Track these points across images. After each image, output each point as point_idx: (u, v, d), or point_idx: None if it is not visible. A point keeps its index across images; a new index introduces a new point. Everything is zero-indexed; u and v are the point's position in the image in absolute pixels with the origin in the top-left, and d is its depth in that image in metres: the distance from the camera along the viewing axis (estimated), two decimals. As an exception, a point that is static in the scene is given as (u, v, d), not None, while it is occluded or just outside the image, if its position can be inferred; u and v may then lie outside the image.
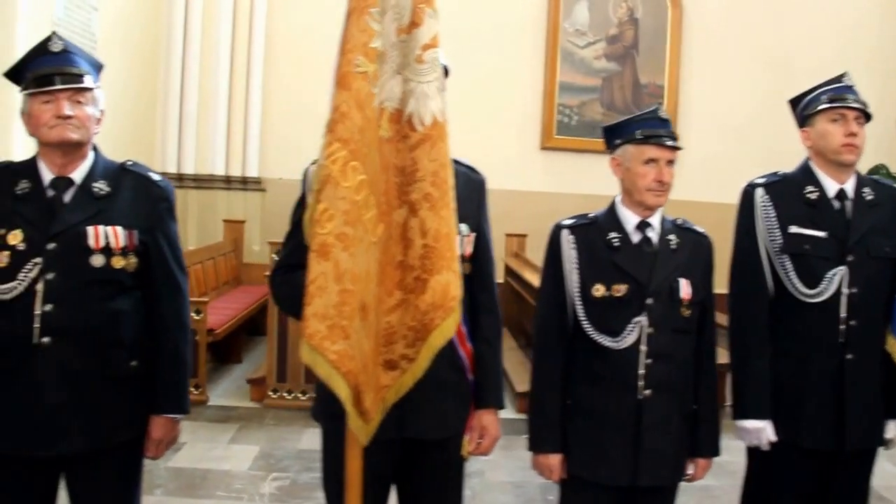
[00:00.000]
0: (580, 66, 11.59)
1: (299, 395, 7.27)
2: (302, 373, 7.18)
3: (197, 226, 10.59)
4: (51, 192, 2.85)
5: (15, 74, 2.90)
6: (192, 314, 7.08)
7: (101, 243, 2.82)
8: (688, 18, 11.67)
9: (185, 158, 10.60)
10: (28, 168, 2.89)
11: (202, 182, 10.70)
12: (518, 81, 11.47)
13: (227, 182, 10.86)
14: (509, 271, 10.10)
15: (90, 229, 2.82)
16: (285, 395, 7.31)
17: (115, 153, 5.30)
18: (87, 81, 2.86)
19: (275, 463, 5.96)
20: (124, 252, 2.86)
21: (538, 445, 3.17)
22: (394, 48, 2.62)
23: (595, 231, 3.14)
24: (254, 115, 11.03)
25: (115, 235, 2.84)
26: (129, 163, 3.01)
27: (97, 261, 2.81)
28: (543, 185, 11.31)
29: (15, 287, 2.75)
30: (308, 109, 11.39)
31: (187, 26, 10.42)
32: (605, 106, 11.61)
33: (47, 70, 2.81)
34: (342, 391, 2.55)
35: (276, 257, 7.27)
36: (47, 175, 2.86)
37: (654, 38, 11.63)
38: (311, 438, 6.41)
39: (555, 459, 3.12)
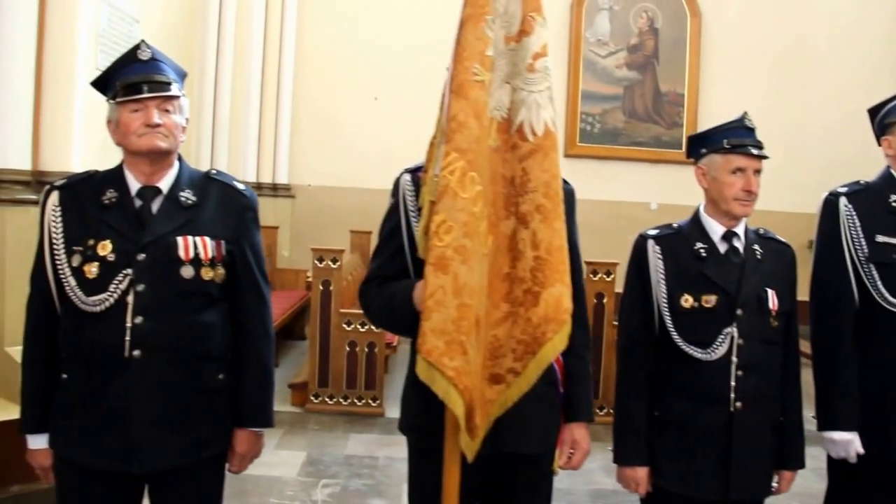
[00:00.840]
0: (602, 75, 11.78)
1: (341, 399, 7.35)
2: (343, 378, 7.30)
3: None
4: (138, 202, 2.78)
5: (101, 83, 2.86)
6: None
7: (191, 254, 2.76)
8: (707, 28, 11.85)
9: (218, 166, 10.76)
10: (113, 177, 2.82)
11: (234, 188, 10.85)
12: (542, 90, 11.62)
13: (258, 188, 11.04)
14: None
15: (180, 240, 2.75)
16: (327, 399, 7.38)
17: None
18: (175, 89, 2.80)
19: (324, 469, 5.98)
20: (212, 263, 2.79)
21: (625, 458, 3.12)
22: (502, 56, 2.57)
23: (680, 241, 3.10)
24: (284, 124, 11.25)
25: (204, 246, 2.78)
26: (214, 171, 2.94)
27: (187, 272, 2.75)
28: (568, 192, 11.43)
29: (106, 299, 2.68)
30: (335, 118, 11.66)
31: (220, 38, 10.56)
32: (626, 114, 11.83)
33: (136, 78, 2.74)
34: (458, 408, 2.44)
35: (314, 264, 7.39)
36: (134, 184, 2.79)
37: (674, 48, 11.82)
38: (355, 444, 6.54)
39: (642, 472, 3.07)
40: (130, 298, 2.69)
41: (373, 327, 7.12)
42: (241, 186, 2.95)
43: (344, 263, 7.45)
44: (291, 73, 11.30)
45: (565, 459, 2.95)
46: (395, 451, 6.26)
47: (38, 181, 5.07)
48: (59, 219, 2.79)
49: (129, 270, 2.70)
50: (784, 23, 11.93)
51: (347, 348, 7.32)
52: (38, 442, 2.84)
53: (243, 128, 10.76)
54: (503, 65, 2.57)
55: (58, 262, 2.75)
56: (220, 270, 2.81)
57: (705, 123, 11.65)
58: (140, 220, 2.76)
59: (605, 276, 7.41)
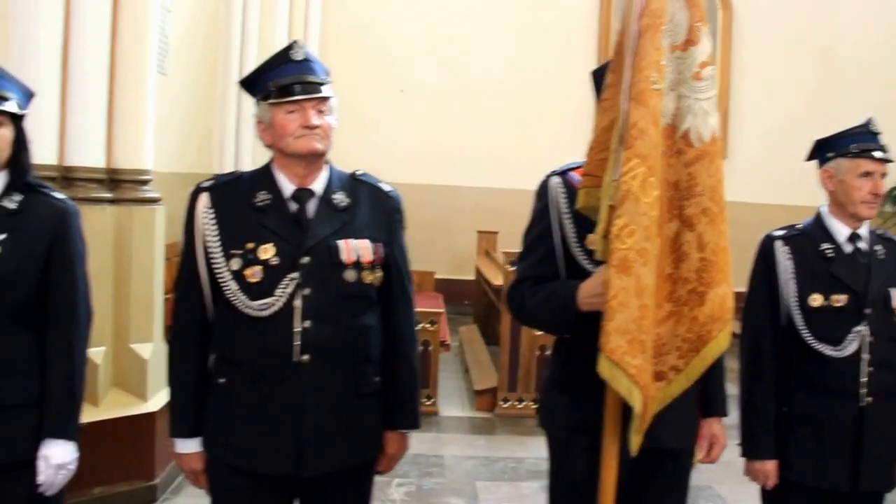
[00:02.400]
0: (631, 68, 11.75)
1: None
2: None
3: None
4: (293, 205, 2.75)
5: (250, 83, 2.85)
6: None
7: (353, 257, 2.73)
8: (737, 20, 11.88)
9: (243, 161, 10.73)
10: (264, 179, 2.79)
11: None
12: (570, 83, 11.60)
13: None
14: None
15: (341, 243, 2.72)
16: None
17: (178, 154, 5.32)
18: (327, 90, 2.76)
19: (395, 468, 5.98)
20: (372, 266, 2.76)
21: (754, 452, 3.20)
22: (668, 64, 2.62)
23: (807, 241, 3.17)
24: (311, 119, 11.19)
25: (364, 249, 2.75)
26: (360, 172, 2.90)
27: (350, 276, 2.72)
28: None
29: (273, 303, 2.66)
30: (360, 110, 11.63)
31: (244, 31, 10.54)
32: (657, 108, 11.79)
33: (290, 79, 2.71)
34: (638, 405, 2.52)
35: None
36: (287, 186, 2.75)
37: (703, 41, 11.78)
38: (419, 443, 6.31)
39: (771, 465, 3.15)
40: (298, 303, 2.67)
41: (427, 325, 7.09)
42: (387, 188, 2.92)
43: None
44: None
45: (705, 453, 3.03)
46: (458, 450, 6.30)
47: (111, 179, 5.05)
48: (213, 221, 2.75)
49: (296, 274, 2.67)
50: (816, 16, 11.99)
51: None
52: (189, 446, 2.83)
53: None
54: (669, 72, 2.62)
55: (215, 266, 2.73)
56: (378, 273, 2.79)
57: (736, 116, 11.71)
58: (299, 224, 2.73)
59: None
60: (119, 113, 5.09)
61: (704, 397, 2.98)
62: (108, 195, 4.95)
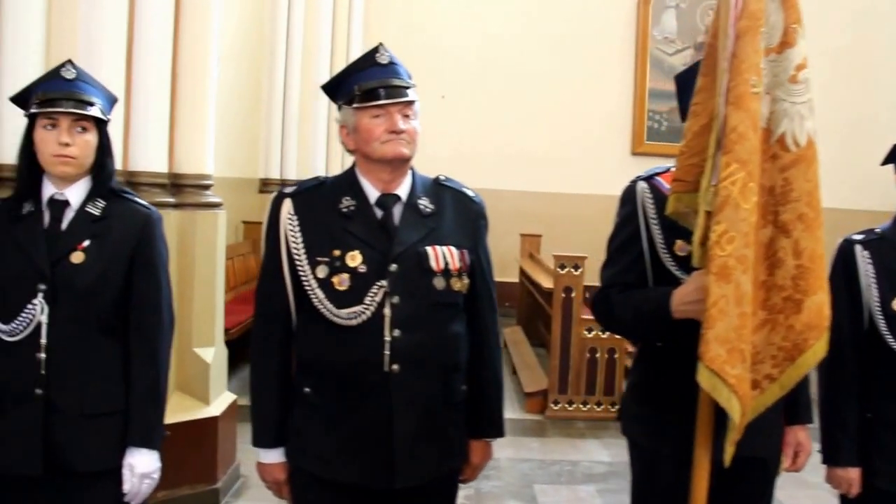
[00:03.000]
0: (669, 73, 11.71)
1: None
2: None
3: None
4: (378, 211, 2.69)
5: (333, 87, 2.80)
6: None
7: (441, 265, 2.68)
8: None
9: (288, 165, 10.80)
10: (347, 184, 2.75)
11: (304, 187, 10.90)
12: (609, 88, 11.66)
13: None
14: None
15: (429, 250, 2.67)
16: None
17: (227, 159, 5.27)
18: (413, 94, 2.71)
19: None
20: (460, 273, 2.71)
21: (836, 459, 3.11)
22: (763, 67, 2.56)
23: (887, 245, 3.12)
24: (352, 125, 11.26)
25: (452, 256, 2.70)
26: (443, 178, 2.85)
27: (439, 283, 2.67)
28: (635, 190, 11.44)
29: (362, 312, 2.60)
30: (400, 118, 11.68)
31: (289, 39, 10.62)
32: (693, 112, 11.80)
33: (375, 83, 2.66)
34: (737, 415, 2.46)
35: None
36: (372, 192, 2.70)
37: (741, 45, 11.77)
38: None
39: (854, 473, 3.07)
40: (387, 311, 2.61)
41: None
42: (471, 193, 2.86)
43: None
44: (359, 71, 11.31)
45: (790, 461, 2.98)
46: (512, 452, 6.30)
47: (173, 184, 5.09)
48: (297, 228, 2.70)
49: (384, 282, 2.62)
50: (846, 20, 11.90)
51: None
52: (272, 456, 2.78)
53: (312, 127, 10.82)
54: (764, 75, 2.55)
55: (301, 274, 2.68)
56: (465, 280, 2.73)
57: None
58: (385, 230, 2.68)
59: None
60: (181, 118, 5.11)
61: (789, 405, 2.91)
62: (171, 200, 4.96)
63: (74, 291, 2.70)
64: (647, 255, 2.80)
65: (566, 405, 7.25)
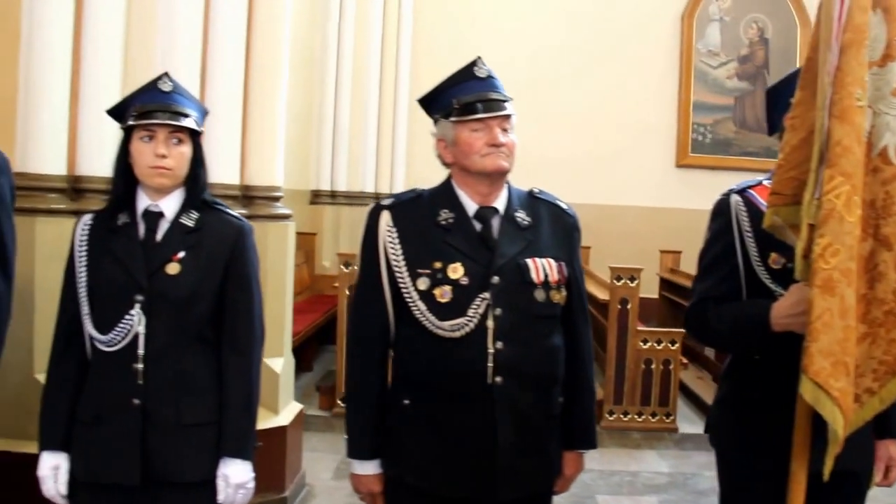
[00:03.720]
0: (713, 86, 11.78)
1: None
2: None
3: (349, 241, 10.83)
4: (477, 224, 2.70)
5: (432, 100, 2.82)
6: None
7: (542, 277, 2.67)
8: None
9: (338, 177, 10.88)
10: (445, 197, 2.76)
11: (353, 199, 10.98)
12: (654, 101, 11.66)
13: (377, 199, 11.11)
14: (665, 285, 10.45)
15: (529, 262, 2.67)
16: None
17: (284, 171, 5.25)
18: (510, 108, 2.72)
19: None
20: (559, 286, 2.71)
21: None
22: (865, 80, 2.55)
23: None
24: (400, 134, 11.39)
25: (551, 268, 2.70)
26: (537, 190, 2.85)
27: (540, 295, 2.67)
28: (679, 202, 11.46)
29: (466, 324, 2.61)
30: (448, 129, 11.75)
31: (339, 52, 10.71)
32: (737, 124, 11.86)
33: (474, 97, 2.69)
34: (841, 429, 2.43)
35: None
36: (470, 205, 2.72)
37: (784, 58, 11.78)
38: None
39: None
40: (490, 323, 2.62)
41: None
42: (564, 205, 2.87)
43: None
44: (407, 85, 11.42)
45: (881, 476, 2.91)
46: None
47: (244, 195, 5.15)
48: (397, 240, 2.72)
49: (487, 294, 2.63)
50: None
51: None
52: (368, 468, 2.79)
53: (362, 139, 10.94)
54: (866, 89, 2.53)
55: (401, 285, 2.69)
56: (563, 293, 2.74)
57: (817, 133, 11.62)
58: (485, 242, 2.69)
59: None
60: (252, 131, 5.18)
61: (880, 418, 2.82)
62: (242, 212, 5.00)
63: (171, 302, 2.72)
64: (741, 268, 2.79)
65: (621, 415, 7.24)
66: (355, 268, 7.35)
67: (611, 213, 10.94)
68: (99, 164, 4.22)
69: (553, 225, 2.80)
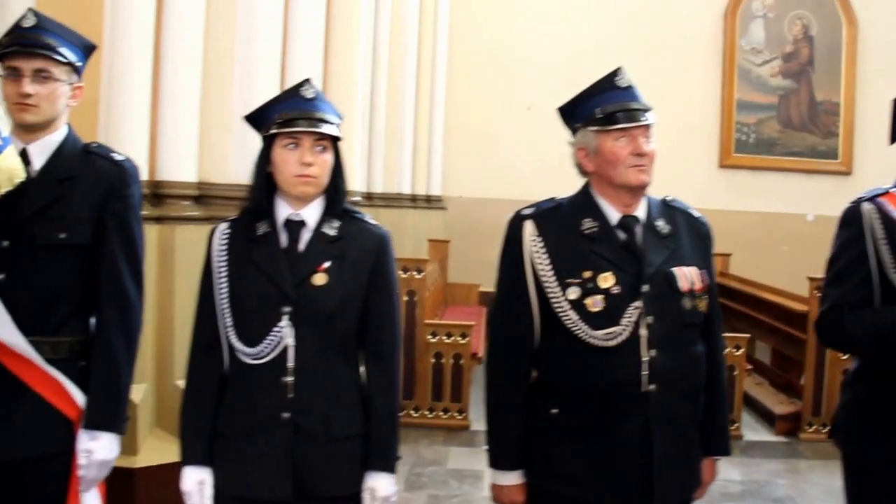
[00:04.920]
0: (756, 84, 11.65)
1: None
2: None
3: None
4: (620, 232, 2.71)
5: (572, 108, 2.83)
6: (458, 337, 7.18)
7: (688, 285, 2.69)
8: (863, 34, 11.67)
9: (375, 179, 10.78)
10: (586, 206, 2.77)
11: (390, 201, 10.87)
12: (696, 100, 11.55)
13: (413, 200, 11.05)
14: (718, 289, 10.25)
15: (676, 271, 2.69)
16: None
17: None
18: (651, 118, 2.75)
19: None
20: (702, 293, 2.72)
21: None
22: None
23: None
24: (437, 136, 11.29)
25: (695, 276, 2.72)
26: (670, 198, 2.87)
27: (687, 303, 2.68)
28: (723, 203, 11.31)
29: (620, 333, 2.61)
30: (488, 129, 11.67)
31: (375, 52, 10.63)
32: (781, 123, 11.71)
33: (618, 106, 2.71)
34: None
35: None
36: (613, 214, 2.73)
37: (829, 55, 11.65)
38: None
39: None
40: (643, 332, 2.62)
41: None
42: (697, 213, 2.88)
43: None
44: (444, 86, 11.34)
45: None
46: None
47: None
48: (543, 250, 2.71)
49: (639, 303, 2.63)
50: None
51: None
52: (512, 478, 2.78)
53: (398, 141, 10.82)
54: None
55: (551, 296, 2.67)
56: (706, 300, 2.75)
57: (862, 133, 11.51)
58: (631, 252, 2.69)
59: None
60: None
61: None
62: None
63: (318, 314, 2.65)
64: (875, 275, 2.81)
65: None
66: (414, 273, 7.26)
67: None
68: (179, 169, 4.30)
69: (689, 233, 2.82)
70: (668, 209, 2.84)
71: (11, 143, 2.52)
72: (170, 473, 3.13)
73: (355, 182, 10.62)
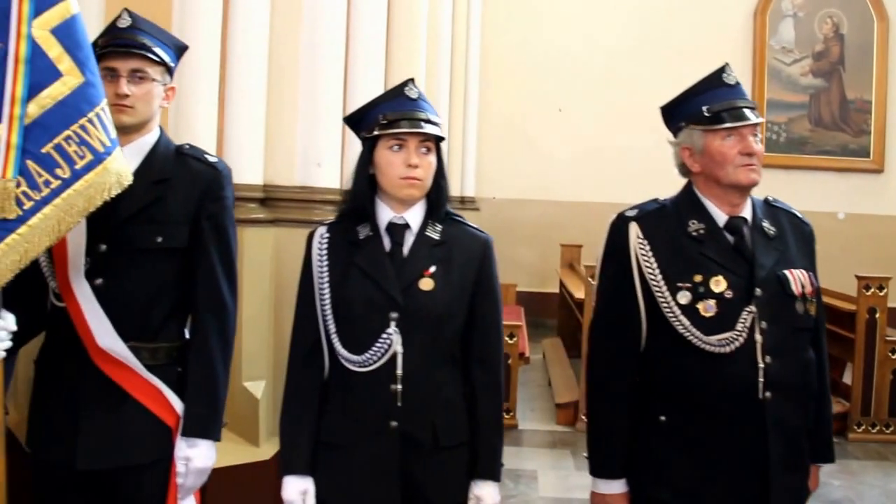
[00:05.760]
0: (787, 83, 11.59)
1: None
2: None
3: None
4: (728, 235, 2.66)
5: (677, 106, 2.80)
6: (506, 338, 7.12)
7: (800, 289, 2.64)
8: (894, 31, 11.59)
9: (409, 181, 10.79)
10: (692, 207, 2.71)
11: (427, 202, 10.90)
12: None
13: (461, 202, 11.04)
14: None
15: (788, 274, 2.64)
16: None
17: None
18: (758, 116, 2.69)
19: None
20: (812, 297, 2.68)
21: None
22: None
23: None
24: (470, 137, 11.23)
25: (805, 279, 2.66)
26: (772, 199, 2.84)
27: (799, 307, 2.63)
28: (754, 201, 11.27)
29: (735, 338, 2.56)
30: (520, 130, 11.66)
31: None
32: (812, 122, 11.66)
33: (726, 104, 2.67)
34: None
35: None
36: (720, 215, 2.67)
37: (860, 54, 11.59)
38: None
39: None
40: (758, 337, 2.57)
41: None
42: (800, 214, 2.85)
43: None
44: (477, 87, 11.32)
45: None
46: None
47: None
48: (650, 252, 2.67)
49: (753, 308, 2.58)
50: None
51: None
52: (616, 486, 2.74)
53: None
54: None
55: (660, 300, 2.63)
56: (815, 305, 2.69)
57: (894, 130, 11.44)
58: (741, 254, 2.64)
59: (877, 291, 7.22)
60: None
61: None
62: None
63: (426, 319, 2.61)
64: None
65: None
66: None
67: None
68: (246, 172, 4.26)
69: (794, 234, 2.76)
70: (772, 210, 2.80)
71: (118, 146, 2.48)
72: (238, 475, 3.12)
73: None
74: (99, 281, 2.63)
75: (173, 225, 2.72)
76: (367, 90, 4.79)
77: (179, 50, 2.89)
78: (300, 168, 4.47)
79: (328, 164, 4.59)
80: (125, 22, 2.73)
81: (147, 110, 2.71)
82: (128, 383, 2.66)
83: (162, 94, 2.77)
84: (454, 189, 11.08)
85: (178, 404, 2.72)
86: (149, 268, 2.71)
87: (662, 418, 2.66)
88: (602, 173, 11.17)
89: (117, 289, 2.65)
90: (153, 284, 2.72)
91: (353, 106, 4.63)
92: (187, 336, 2.82)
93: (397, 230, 2.66)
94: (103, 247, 2.63)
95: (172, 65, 2.82)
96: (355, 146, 4.46)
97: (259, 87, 4.27)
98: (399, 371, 2.57)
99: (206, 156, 2.85)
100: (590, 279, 6.89)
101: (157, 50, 2.73)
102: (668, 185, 9.99)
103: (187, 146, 2.85)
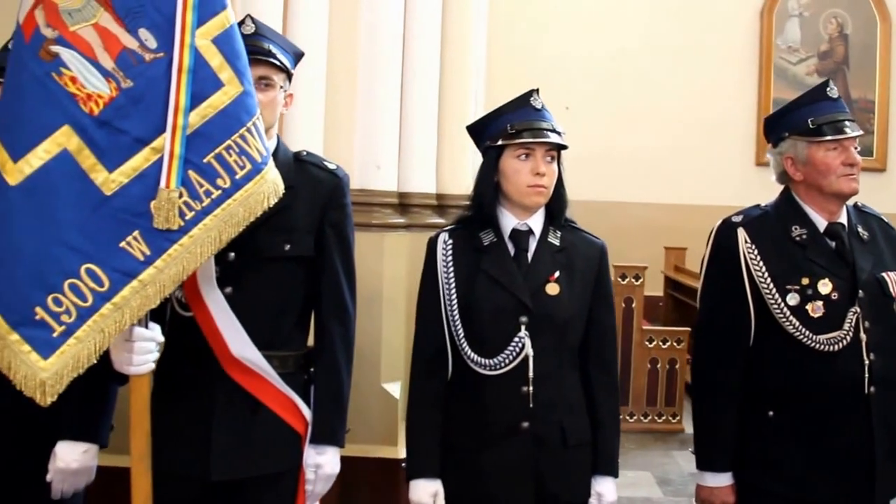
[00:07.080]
0: (793, 83, 11.65)
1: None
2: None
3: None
4: (829, 240, 2.85)
5: (782, 116, 3.00)
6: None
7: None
8: (897, 32, 11.73)
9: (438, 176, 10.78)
10: (793, 213, 2.89)
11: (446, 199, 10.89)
12: (733, 98, 11.54)
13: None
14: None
15: (886, 277, 2.84)
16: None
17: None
18: (857, 129, 2.88)
19: None
20: None
21: None
22: None
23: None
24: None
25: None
26: (861, 204, 3.04)
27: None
28: (759, 200, 11.26)
29: (843, 337, 2.74)
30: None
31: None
32: (817, 121, 11.72)
33: (831, 117, 2.85)
34: None
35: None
36: (820, 221, 2.86)
37: (863, 53, 11.68)
38: None
39: None
40: (863, 336, 2.76)
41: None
42: (885, 218, 3.05)
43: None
44: (483, 86, 11.26)
45: None
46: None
47: (440, 204, 5.19)
48: (758, 257, 2.83)
49: (856, 308, 2.77)
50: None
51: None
52: (723, 479, 2.89)
53: (448, 139, 10.75)
54: None
55: (770, 302, 2.80)
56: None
57: (896, 129, 11.57)
58: (842, 257, 2.83)
59: None
60: (444, 141, 5.31)
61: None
62: (439, 220, 4.98)
63: (554, 323, 2.70)
64: None
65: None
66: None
67: (689, 213, 10.73)
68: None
69: (884, 238, 2.97)
70: (863, 215, 2.99)
71: (271, 156, 2.52)
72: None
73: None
74: (228, 289, 2.63)
75: (299, 233, 2.75)
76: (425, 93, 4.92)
77: (297, 56, 2.91)
78: (358, 171, 4.52)
79: (387, 166, 4.63)
80: (250, 28, 2.74)
81: (271, 117, 2.72)
82: (261, 392, 2.67)
83: (283, 100, 2.80)
84: (460, 187, 11.10)
85: (307, 412, 2.75)
86: (276, 276, 2.73)
87: (771, 414, 2.81)
88: (608, 172, 11.20)
89: (247, 297, 2.66)
90: (281, 293, 2.75)
91: (410, 107, 4.71)
92: (310, 343, 2.86)
93: (521, 237, 2.75)
94: (231, 255, 2.63)
95: (293, 71, 2.84)
96: (411, 149, 4.55)
97: (318, 90, 4.33)
98: (531, 373, 2.65)
99: (326, 162, 2.89)
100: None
101: (281, 57, 2.75)
102: (674, 184, 10.20)
103: (305, 153, 2.88)
